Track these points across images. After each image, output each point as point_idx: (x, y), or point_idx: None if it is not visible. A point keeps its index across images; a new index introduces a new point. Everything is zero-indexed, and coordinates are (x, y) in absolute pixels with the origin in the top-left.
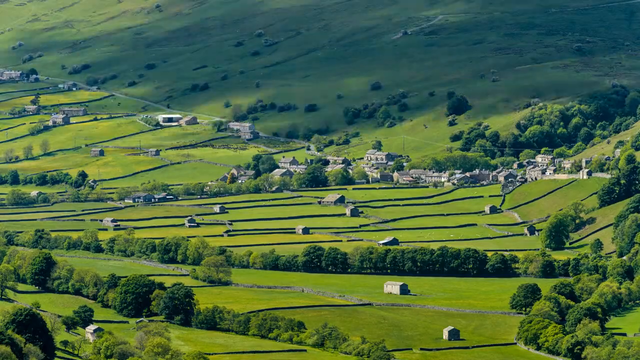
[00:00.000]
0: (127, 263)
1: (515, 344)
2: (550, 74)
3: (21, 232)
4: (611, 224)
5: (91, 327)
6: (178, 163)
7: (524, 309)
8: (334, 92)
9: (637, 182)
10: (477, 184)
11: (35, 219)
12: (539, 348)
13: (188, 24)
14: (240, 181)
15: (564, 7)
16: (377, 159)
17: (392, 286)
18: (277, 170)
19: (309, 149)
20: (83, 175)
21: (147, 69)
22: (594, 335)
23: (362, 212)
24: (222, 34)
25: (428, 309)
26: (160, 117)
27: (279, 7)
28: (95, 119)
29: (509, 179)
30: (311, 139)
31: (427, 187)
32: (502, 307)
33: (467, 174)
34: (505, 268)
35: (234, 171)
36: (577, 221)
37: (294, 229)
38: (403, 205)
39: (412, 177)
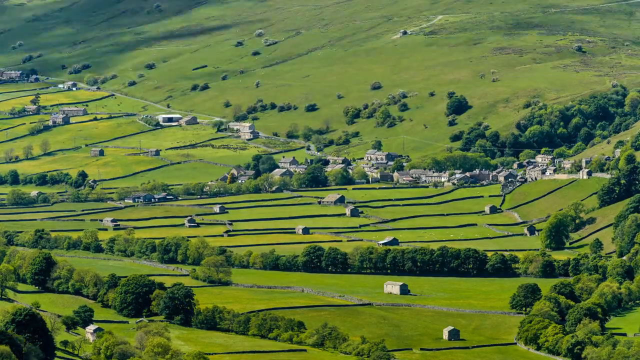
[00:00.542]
0: (127, 263)
1: (515, 344)
2: (550, 74)
3: (21, 232)
4: (611, 224)
5: (91, 327)
6: (178, 163)
7: (524, 309)
8: (334, 92)
9: (637, 182)
10: (477, 184)
11: (35, 219)
12: (539, 348)
13: (188, 23)
14: (240, 181)
15: (564, 7)
16: (377, 159)
17: (392, 286)
18: (277, 170)
19: (308, 149)
20: (83, 175)
21: (147, 69)
22: (594, 335)
23: (362, 212)
24: (222, 34)
25: (428, 309)
26: (160, 117)
27: (279, 7)
28: (95, 119)
29: (509, 179)
30: (311, 139)
31: (427, 187)
32: (502, 307)
33: (467, 174)
34: (505, 268)
35: (234, 171)
36: (577, 221)
37: (294, 229)
38: (403, 205)
39: (412, 177)
